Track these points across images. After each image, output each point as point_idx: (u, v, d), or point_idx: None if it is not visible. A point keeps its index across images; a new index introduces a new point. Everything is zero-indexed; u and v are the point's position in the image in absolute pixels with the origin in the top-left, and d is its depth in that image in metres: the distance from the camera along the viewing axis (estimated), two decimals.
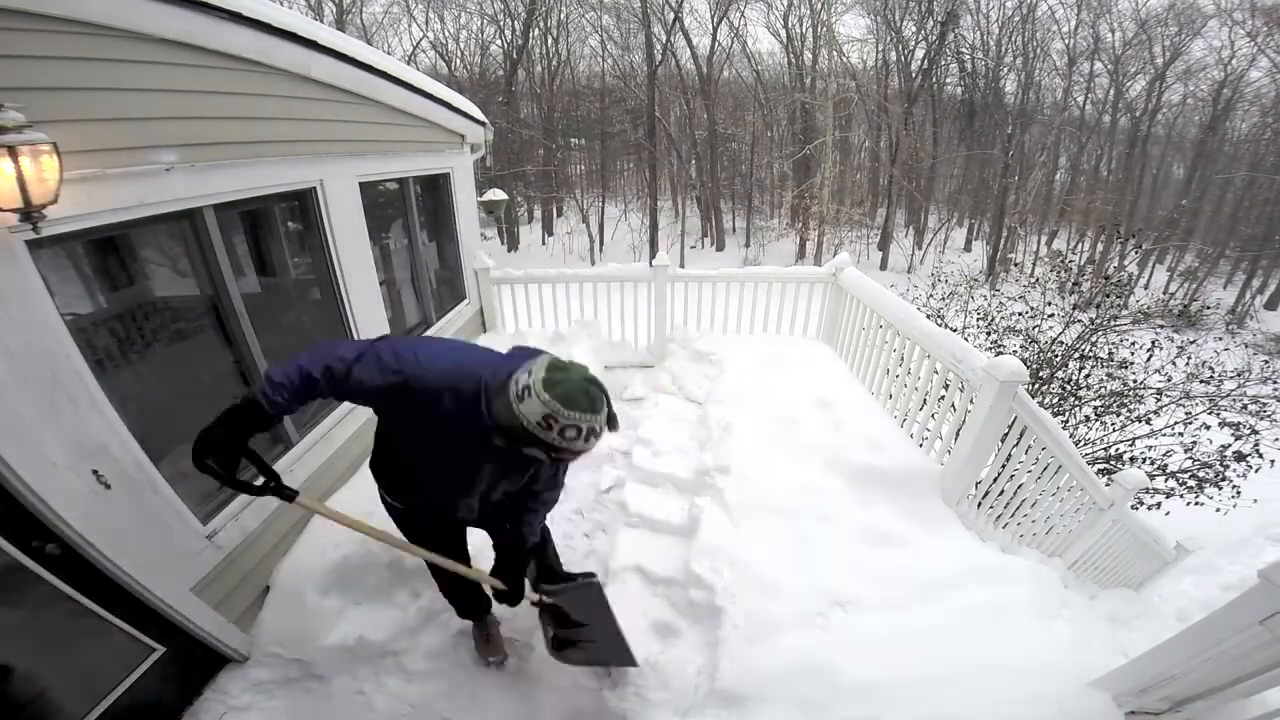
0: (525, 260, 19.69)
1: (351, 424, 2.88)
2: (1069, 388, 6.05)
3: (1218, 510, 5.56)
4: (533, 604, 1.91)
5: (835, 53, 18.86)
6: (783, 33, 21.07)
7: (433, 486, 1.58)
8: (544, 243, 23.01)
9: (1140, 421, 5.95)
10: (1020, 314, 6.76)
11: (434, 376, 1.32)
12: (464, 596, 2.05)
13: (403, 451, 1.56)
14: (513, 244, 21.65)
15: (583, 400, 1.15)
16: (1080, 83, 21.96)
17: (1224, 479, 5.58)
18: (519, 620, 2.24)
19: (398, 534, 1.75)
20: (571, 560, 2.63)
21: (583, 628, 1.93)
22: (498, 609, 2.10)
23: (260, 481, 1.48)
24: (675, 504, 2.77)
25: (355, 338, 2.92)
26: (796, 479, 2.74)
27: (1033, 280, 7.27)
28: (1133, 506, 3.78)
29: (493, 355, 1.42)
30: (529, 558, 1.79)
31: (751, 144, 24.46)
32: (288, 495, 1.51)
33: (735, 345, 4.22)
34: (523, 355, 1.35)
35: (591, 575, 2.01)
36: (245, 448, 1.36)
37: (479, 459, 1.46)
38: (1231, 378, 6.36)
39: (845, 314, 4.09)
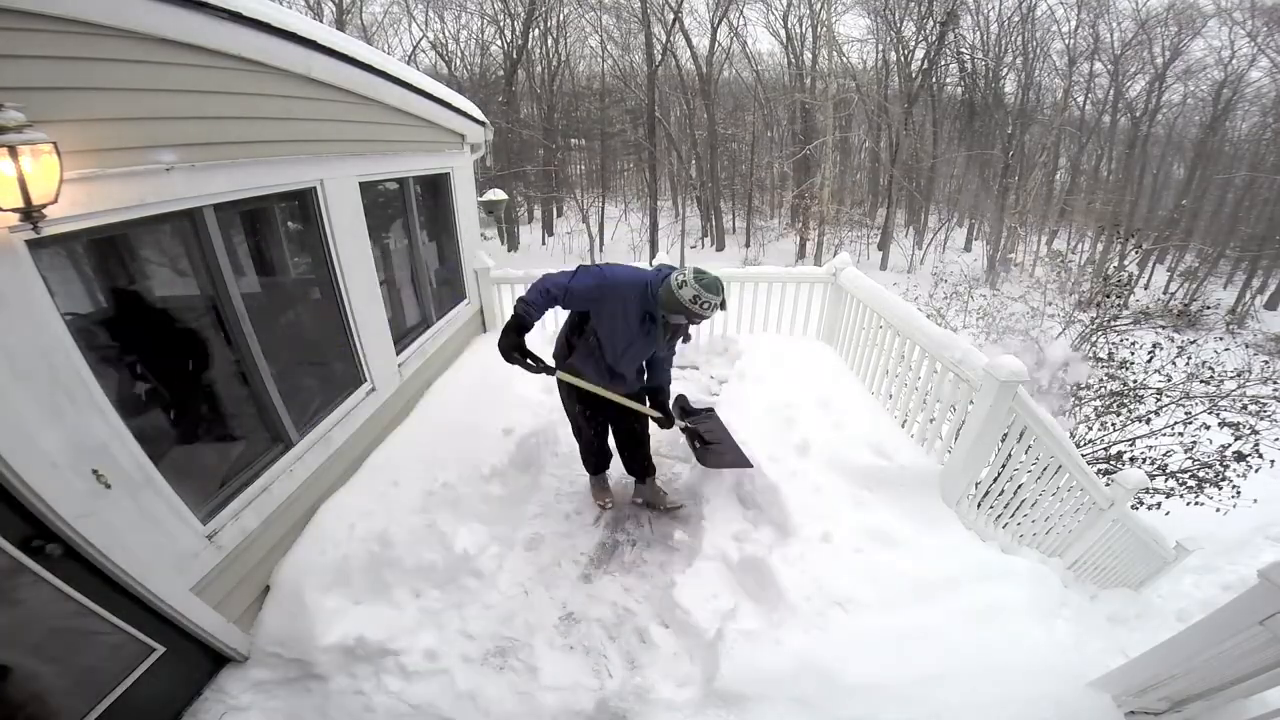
0: (525, 260, 19.68)
1: (350, 424, 2.89)
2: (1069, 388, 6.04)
3: (1218, 510, 5.56)
4: (680, 429, 2.74)
5: (835, 53, 18.85)
6: (782, 33, 21.09)
7: (611, 358, 2.42)
8: (544, 243, 23.00)
9: (1140, 421, 5.95)
10: (1020, 314, 6.76)
11: (617, 283, 2.23)
12: (597, 457, 2.89)
13: (596, 338, 2.38)
14: (513, 244, 21.63)
15: (715, 290, 2.14)
16: (1080, 83, 21.95)
17: (1224, 479, 5.58)
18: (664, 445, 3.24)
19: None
20: None
21: (715, 444, 2.72)
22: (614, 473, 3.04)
23: (533, 364, 2.30)
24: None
25: (356, 337, 2.95)
26: (796, 479, 2.74)
27: (1033, 280, 7.27)
28: (1133, 506, 3.78)
29: (647, 270, 2.32)
30: (669, 398, 2.72)
31: (751, 144, 24.44)
32: (550, 370, 2.37)
33: (735, 345, 4.22)
34: (669, 268, 2.27)
35: (711, 409, 2.99)
36: (522, 345, 2.25)
37: (637, 336, 2.33)
38: (1231, 378, 6.34)
39: (845, 314, 4.09)
